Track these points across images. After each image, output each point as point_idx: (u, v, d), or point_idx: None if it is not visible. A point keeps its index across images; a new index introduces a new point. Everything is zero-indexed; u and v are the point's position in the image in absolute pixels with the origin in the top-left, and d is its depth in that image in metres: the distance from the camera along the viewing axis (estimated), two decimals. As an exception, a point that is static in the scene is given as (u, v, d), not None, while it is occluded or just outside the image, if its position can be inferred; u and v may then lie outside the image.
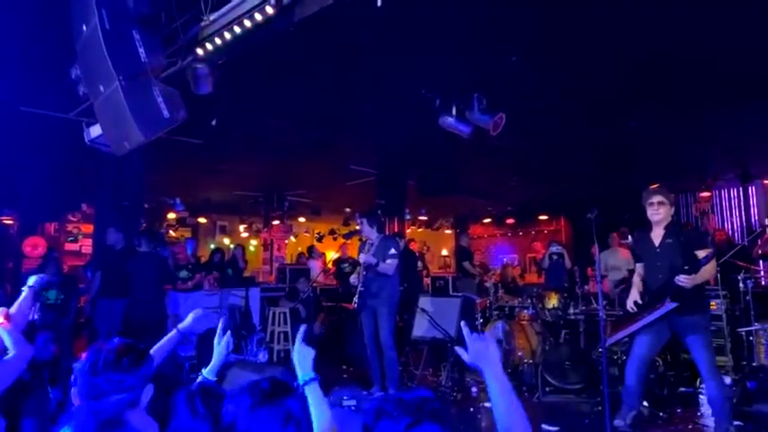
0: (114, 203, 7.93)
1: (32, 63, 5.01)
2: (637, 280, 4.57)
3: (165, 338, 2.86)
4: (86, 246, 11.22)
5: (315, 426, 1.76)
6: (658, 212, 4.33)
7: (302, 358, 2.03)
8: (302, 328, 2.21)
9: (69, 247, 11.79)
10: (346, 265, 9.27)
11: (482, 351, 1.71)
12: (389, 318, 5.56)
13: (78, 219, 11.85)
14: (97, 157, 6.02)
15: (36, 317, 2.52)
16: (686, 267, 4.01)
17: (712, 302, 6.01)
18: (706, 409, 4.64)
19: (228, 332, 2.56)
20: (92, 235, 9.83)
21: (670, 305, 4.06)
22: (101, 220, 8.40)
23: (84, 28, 3.71)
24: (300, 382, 1.93)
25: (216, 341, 2.56)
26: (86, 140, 5.22)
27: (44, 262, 7.56)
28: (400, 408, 1.41)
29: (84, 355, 1.85)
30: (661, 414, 4.82)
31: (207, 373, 2.47)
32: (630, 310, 4.40)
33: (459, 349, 1.80)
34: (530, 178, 10.49)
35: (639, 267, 4.57)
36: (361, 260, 5.70)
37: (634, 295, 4.45)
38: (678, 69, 5.38)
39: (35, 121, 6.32)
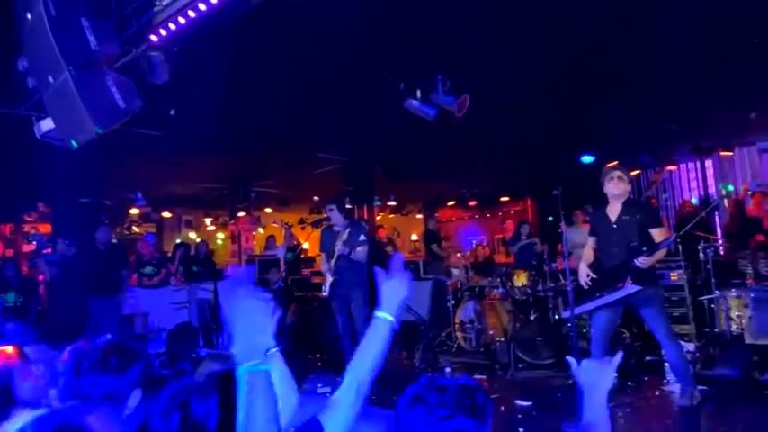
0: (72, 201, 7.64)
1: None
2: (588, 253, 4.59)
3: None
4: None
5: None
6: (618, 186, 4.40)
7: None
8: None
9: (27, 248, 11.37)
10: (289, 253, 8.82)
11: (596, 376, 1.62)
12: (364, 305, 5.52)
13: (35, 219, 11.43)
14: (51, 152, 5.78)
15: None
16: (644, 249, 4.07)
17: (673, 273, 6.21)
18: (671, 376, 4.79)
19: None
20: (50, 235, 9.49)
21: (632, 287, 4.10)
22: (59, 219, 8.11)
23: (29, 16, 3.54)
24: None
25: None
26: (37, 135, 4.98)
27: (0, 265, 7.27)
28: (440, 396, 1.30)
29: (66, 355, 1.74)
30: (629, 383, 4.95)
31: None
32: (584, 285, 4.44)
33: (574, 366, 1.68)
34: (494, 160, 10.57)
35: (592, 241, 4.62)
36: (338, 251, 5.63)
37: (585, 269, 4.47)
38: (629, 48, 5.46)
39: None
